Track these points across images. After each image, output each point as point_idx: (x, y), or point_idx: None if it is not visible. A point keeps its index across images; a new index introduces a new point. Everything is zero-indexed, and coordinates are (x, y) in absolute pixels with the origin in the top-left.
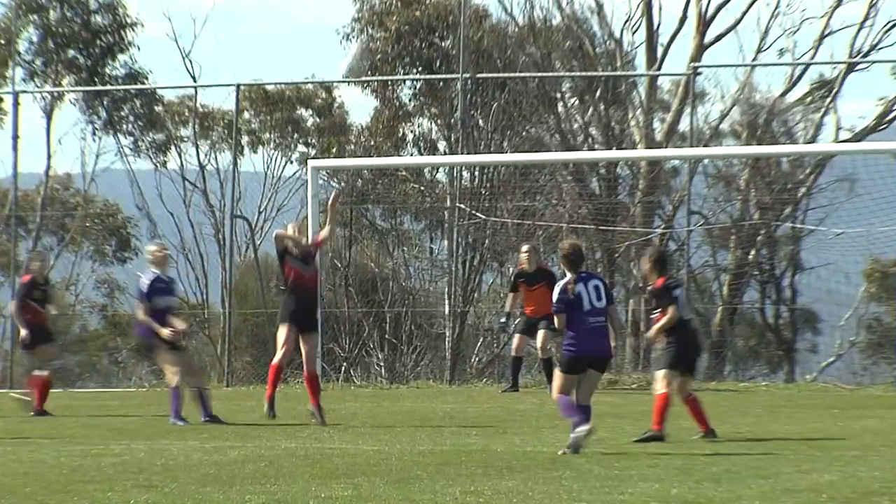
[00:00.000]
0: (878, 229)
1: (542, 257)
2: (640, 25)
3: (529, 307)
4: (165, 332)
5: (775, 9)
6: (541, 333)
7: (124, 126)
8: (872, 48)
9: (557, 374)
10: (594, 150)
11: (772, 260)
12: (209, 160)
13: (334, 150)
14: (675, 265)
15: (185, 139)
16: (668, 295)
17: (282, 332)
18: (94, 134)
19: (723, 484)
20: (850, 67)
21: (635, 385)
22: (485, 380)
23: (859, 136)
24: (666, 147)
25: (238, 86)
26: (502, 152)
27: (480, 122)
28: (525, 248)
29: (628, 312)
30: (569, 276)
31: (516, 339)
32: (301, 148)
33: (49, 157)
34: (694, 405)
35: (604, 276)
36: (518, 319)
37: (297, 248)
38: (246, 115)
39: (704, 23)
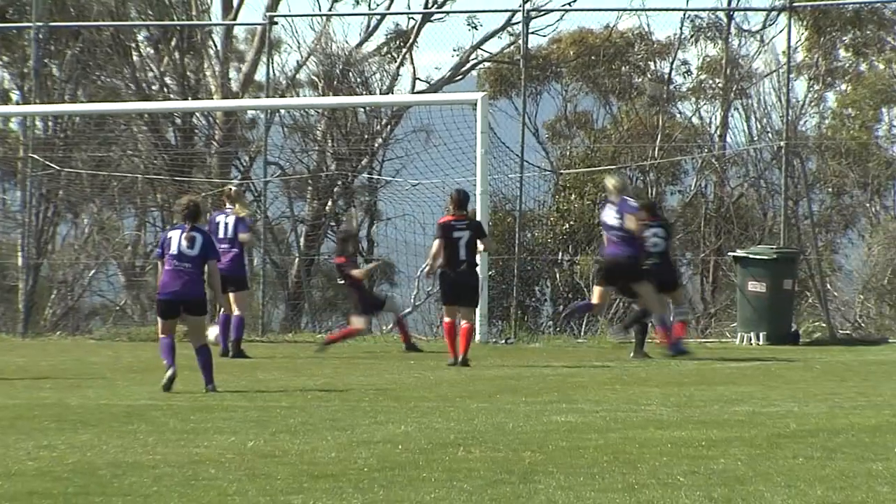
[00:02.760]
0: (455, 180)
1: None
2: None
3: None
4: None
5: None
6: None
7: None
8: None
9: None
10: (170, 100)
11: (349, 211)
12: None
13: None
14: (253, 216)
15: None
16: None
17: None
18: None
19: (299, 436)
20: (426, 18)
21: (212, 338)
22: (59, 332)
23: (435, 87)
24: (242, 97)
25: None
26: (77, 102)
27: (55, 71)
28: None
29: None
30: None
31: None
32: None
33: None
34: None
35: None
36: None
37: None
38: None
39: None
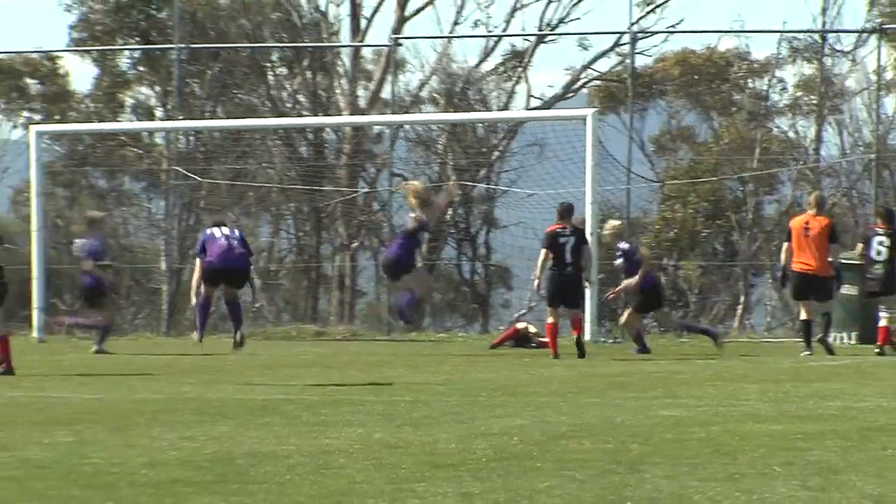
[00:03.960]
0: (567, 190)
1: None
2: None
3: None
4: None
5: None
6: None
7: None
8: (561, 21)
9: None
10: (302, 116)
11: (468, 219)
12: None
13: (57, 116)
14: (378, 224)
15: None
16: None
17: None
18: None
19: (422, 428)
20: (540, 39)
21: (340, 336)
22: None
23: (548, 104)
24: (369, 114)
25: None
26: (216, 118)
27: (196, 89)
28: None
29: (334, 268)
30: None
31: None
32: (26, 114)
33: None
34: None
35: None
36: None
37: None
38: None
39: None
